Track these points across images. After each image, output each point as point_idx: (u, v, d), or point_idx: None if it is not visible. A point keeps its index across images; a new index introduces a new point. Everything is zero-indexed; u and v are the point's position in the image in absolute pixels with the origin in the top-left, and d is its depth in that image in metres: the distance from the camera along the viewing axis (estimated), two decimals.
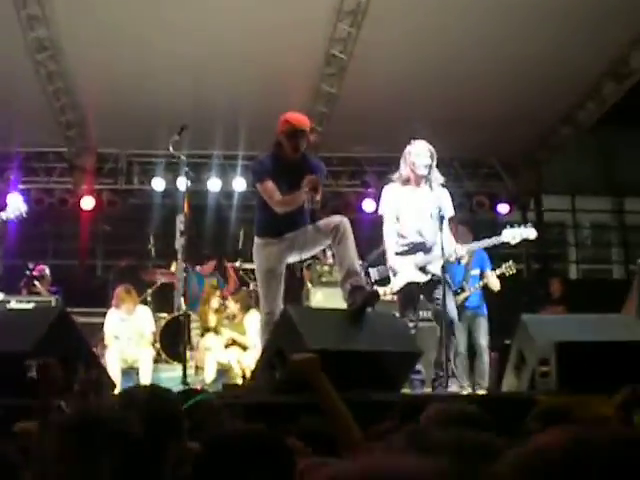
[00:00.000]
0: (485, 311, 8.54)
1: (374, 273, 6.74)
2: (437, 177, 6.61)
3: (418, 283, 6.53)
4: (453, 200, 6.84)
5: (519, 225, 7.01)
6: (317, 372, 3.16)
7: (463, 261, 7.34)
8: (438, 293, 6.40)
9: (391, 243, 6.61)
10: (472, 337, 8.49)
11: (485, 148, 12.40)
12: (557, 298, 10.67)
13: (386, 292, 6.69)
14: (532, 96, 10.67)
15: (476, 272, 8.38)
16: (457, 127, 10.77)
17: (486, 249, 7.92)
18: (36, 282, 10.17)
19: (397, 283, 6.58)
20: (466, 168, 12.68)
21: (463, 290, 8.29)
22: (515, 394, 5.75)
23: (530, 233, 6.86)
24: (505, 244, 6.89)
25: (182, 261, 5.72)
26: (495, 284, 8.30)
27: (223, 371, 8.86)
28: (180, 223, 6.07)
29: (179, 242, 5.91)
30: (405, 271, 6.52)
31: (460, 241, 7.03)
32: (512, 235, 6.82)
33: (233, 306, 9.35)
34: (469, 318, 8.42)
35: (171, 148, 6.09)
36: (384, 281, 6.71)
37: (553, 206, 14.60)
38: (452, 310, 6.44)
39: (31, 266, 10.34)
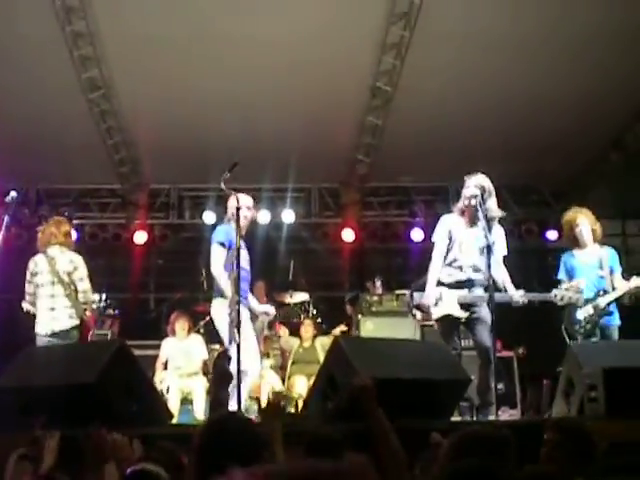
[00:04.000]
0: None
1: (417, 297, 6.73)
2: (492, 210, 6.60)
3: (457, 318, 6.57)
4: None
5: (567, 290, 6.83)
6: (372, 399, 3.23)
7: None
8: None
9: (435, 271, 6.66)
10: None
11: (534, 175, 12.37)
12: None
13: (424, 318, 6.75)
14: (580, 123, 10.63)
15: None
16: (505, 155, 10.78)
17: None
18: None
19: (436, 312, 6.63)
20: (515, 195, 12.64)
21: (606, 292, 7.55)
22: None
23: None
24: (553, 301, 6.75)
25: (235, 293, 5.81)
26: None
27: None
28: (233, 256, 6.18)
29: (232, 275, 6.01)
30: (446, 304, 6.59)
31: None
32: (560, 296, 6.74)
33: (284, 333, 9.54)
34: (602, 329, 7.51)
35: (223, 185, 6.13)
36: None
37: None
38: (487, 340, 6.44)
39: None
